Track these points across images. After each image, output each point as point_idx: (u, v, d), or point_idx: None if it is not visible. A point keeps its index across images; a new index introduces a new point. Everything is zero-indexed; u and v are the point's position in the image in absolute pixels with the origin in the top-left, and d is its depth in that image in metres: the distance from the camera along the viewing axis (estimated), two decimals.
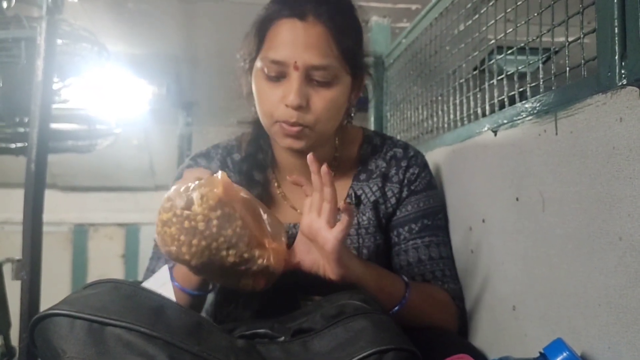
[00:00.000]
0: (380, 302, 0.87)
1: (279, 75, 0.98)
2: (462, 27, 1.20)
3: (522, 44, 0.95)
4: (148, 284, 0.83)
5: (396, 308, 0.96)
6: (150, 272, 1.08)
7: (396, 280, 0.99)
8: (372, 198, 1.10)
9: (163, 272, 0.94)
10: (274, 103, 0.98)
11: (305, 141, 1.00)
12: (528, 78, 0.94)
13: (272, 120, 0.99)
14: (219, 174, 0.83)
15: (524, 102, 0.93)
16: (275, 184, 1.11)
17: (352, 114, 1.13)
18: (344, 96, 1.03)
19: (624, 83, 0.68)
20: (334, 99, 1.00)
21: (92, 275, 4.04)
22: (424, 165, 1.14)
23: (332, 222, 0.87)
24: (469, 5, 1.16)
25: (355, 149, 1.15)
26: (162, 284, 0.86)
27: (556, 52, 0.88)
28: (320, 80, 0.98)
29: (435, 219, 1.11)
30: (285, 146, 1.01)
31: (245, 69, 1.07)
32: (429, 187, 1.13)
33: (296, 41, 0.96)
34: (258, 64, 1.00)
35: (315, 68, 0.96)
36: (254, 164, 1.10)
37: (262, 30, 1.01)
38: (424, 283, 1.06)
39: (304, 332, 0.79)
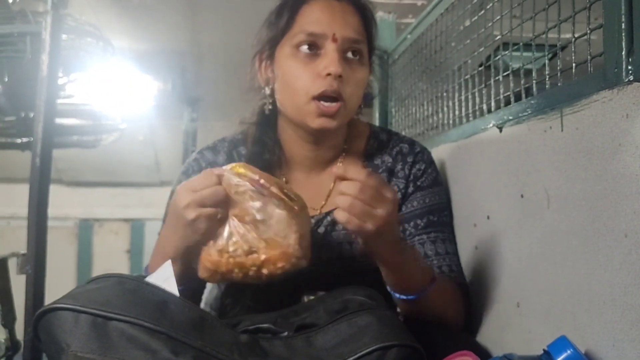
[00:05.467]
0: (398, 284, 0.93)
1: (313, 50, 0.99)
2: (467, 23, 1.19)
3: (528, 40, 0.95)
4: (151, 279, 0.83)
5: (413, 296, 0.96)
6: None
7: (424, 271, 0.98)
8: None
9: (166, 267, 0.94)
10: (310, 78, 0.99)
11: (337, 121, 1.01)
12: (534, 74, 0.93)
13: (307, 98, 0.99)
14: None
15: (529, 98, 0.92)
16: (283, 180, 1.11)
17: (361, 107, 1.13)
18: (367, 79, 1.07)
19: (631, 79, 0.68)
20: (364, 78, 1.04)
21: (97, 270, 4.05)
22: (430, 161, 1.14)
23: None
24: (475, 1, 1.15)
25: (362, 143, 1.15)
26: (166, 278, 0.86)
27: (562, 48, 0.87)
28: (353, 57, 1.01)
29: (441, 216, 1.11)
30: (317, 126, 1.01)
31: (263, 57, 1.07)
32: (435, 183, 1.13)
33: (334, 16, 1.00)
34: (289, 42, 1.01)
35: (351, 42, 1.00)
36: (260, 165, 1.09)
37: (293, 9, 1.02)
38: (442, 276, 1.06)
39: (307, 327, 0.79)
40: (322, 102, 0.98)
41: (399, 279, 0.95)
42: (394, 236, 0.90)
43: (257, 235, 0.84)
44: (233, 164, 0.88)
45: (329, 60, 0.97)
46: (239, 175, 0.85)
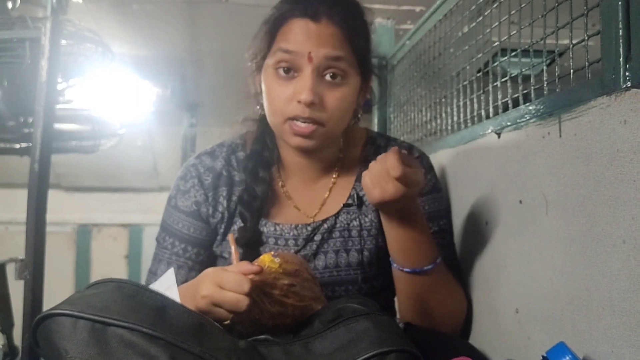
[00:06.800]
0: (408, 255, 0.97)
1: (291, 71, 0.98)
2: (466, 29, 1.20)
3: (526, 46, 0.95)
4: (154, 287, 0.83)
5: (417, 270, 0.98)
6: (152, 274, 1.08)
7: (431, 247, 1.00)
8: None
9: (168, 275, 0.94)
10: (285, 100, 0.98)
11: (315, 140, 1.00)
12: (532, 80, 0.94)
13: (282, 119, 0.99)
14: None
15: (527, 104, 0.93)
16: (280, 183, 1.11)
17: (359, 116, 1.13)
18: (354, 96, 1.04)
19: (628, 85, 0.68)
20: (345, 98, 1.01)
21: (95, 276, 4.04)
22: (430, 167, 1.14)
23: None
24: (473, 8, 1.16)
25: (358, 149, 1.15)
26: (168, 287, 0.86)
27: (560, 55, 0.87)
28: (332, 77, 0.99)
29: (441, 222, 1.11)
30: (294, 145, 1.01)
31: (253, 68, 1.07)
32: (434, 189, 1.12)
33: (310, 36, 0.97)
34: (269, 60, 1.01)
35: (329, 59, 0.97)
36: (260, 161, 1.10)
37: (274, 27, 1.01)
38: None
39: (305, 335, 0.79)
40: (295, 122, 0.98)
41: (407, 247, 0.97)
42: (408, 208, 0.95)
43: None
44: (268, 261, 0.87)
45: (301, 86, 0.96)
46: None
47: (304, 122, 0.98)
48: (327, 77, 0.98)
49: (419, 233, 0.97)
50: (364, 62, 1.04)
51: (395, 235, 0.97)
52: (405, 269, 0.98)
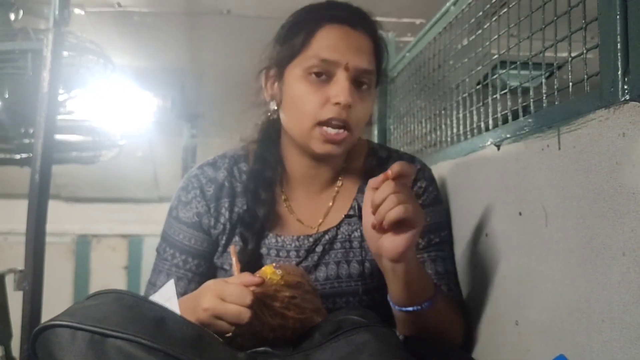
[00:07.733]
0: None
1: (324, 76, 0.99)
2: (465, 42, 1.20)
3: (526, 59, 0.96)
4: (154, 298, 0.83)
5: (417, 307, 0.95)
6: (152, 285, 1.08)
7: (428, 282, 0.97)
8: None
9: (168, 287, 0.94)
10: (319, 104, 0.99)
11: (343, 147, 1.02)
12: (531, 93, 0.94)
13: (312, 123, 0.99)
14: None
15: (527, 116, 0.93)
16: (283, 197, 1.11)
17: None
18: (372, 108, 1.07)
19: (627, 98, 0.68)
20: (369, 108, 1.04)
21: (95, 287, 4.03)
22: (431, 179, 1.14)
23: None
24: (473, 20, 1.16)
25: (361, 160, 1.15)
26: (167, 298, 0.86)
27: (559, 67, 0.88)
28: (360, 87, 1.01)
29: (442, 234, 1.11)
30: (322, 152, 1.01)
31: (270, 74, 1.07)
32: (435, 202, 1.12)
33: (349, 45, 0.99)
34: (299, 64, 1.01)
35: (362, 72, 1.00)
36: (261, 181, 1.09)
37: (309, 32, 1.01)
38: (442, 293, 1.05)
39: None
40: (327, 129, 0.99)
41: (407, 287, 0.93)
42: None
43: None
44: (270, 273, 0.88)
45: (339, 88, 0.97)
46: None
47: (335, 129, 0.99)
48: (358, 84, 1.01)
49: (418, 269, 0.94)
50: (380, 81, 1.08)
51: (400, 274, 0.93)
52: (406, 309, 0.95)
